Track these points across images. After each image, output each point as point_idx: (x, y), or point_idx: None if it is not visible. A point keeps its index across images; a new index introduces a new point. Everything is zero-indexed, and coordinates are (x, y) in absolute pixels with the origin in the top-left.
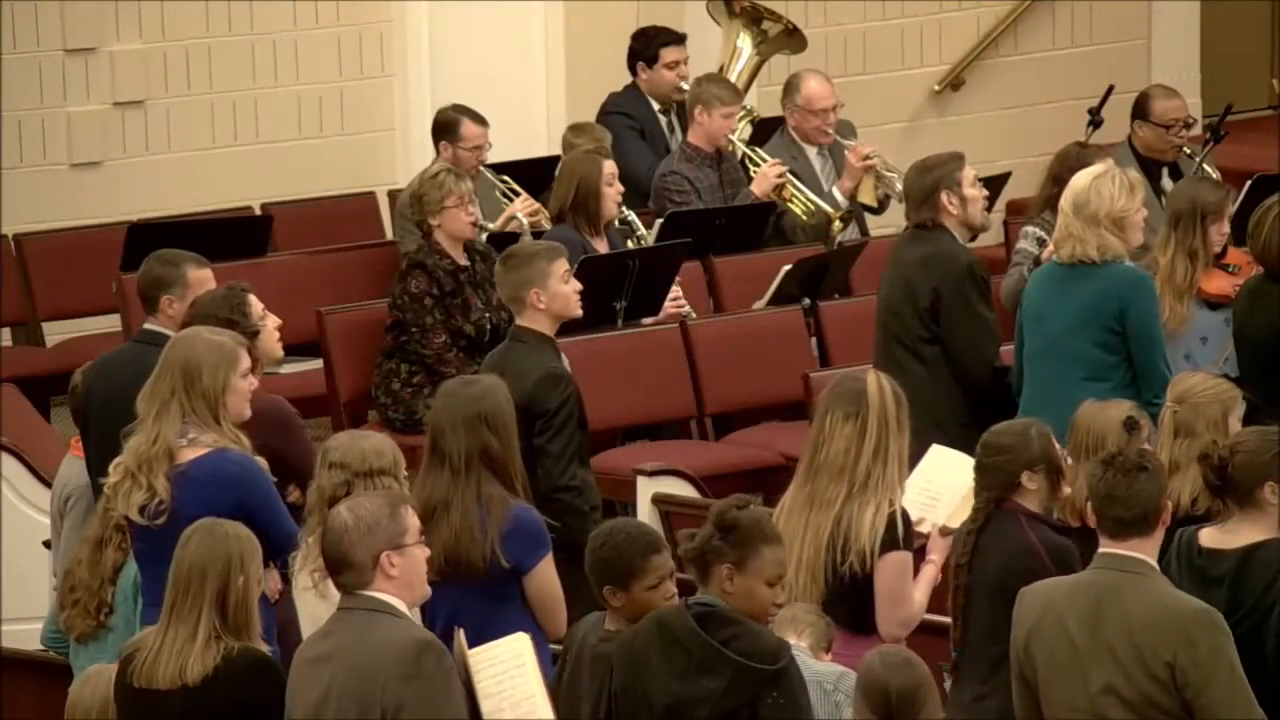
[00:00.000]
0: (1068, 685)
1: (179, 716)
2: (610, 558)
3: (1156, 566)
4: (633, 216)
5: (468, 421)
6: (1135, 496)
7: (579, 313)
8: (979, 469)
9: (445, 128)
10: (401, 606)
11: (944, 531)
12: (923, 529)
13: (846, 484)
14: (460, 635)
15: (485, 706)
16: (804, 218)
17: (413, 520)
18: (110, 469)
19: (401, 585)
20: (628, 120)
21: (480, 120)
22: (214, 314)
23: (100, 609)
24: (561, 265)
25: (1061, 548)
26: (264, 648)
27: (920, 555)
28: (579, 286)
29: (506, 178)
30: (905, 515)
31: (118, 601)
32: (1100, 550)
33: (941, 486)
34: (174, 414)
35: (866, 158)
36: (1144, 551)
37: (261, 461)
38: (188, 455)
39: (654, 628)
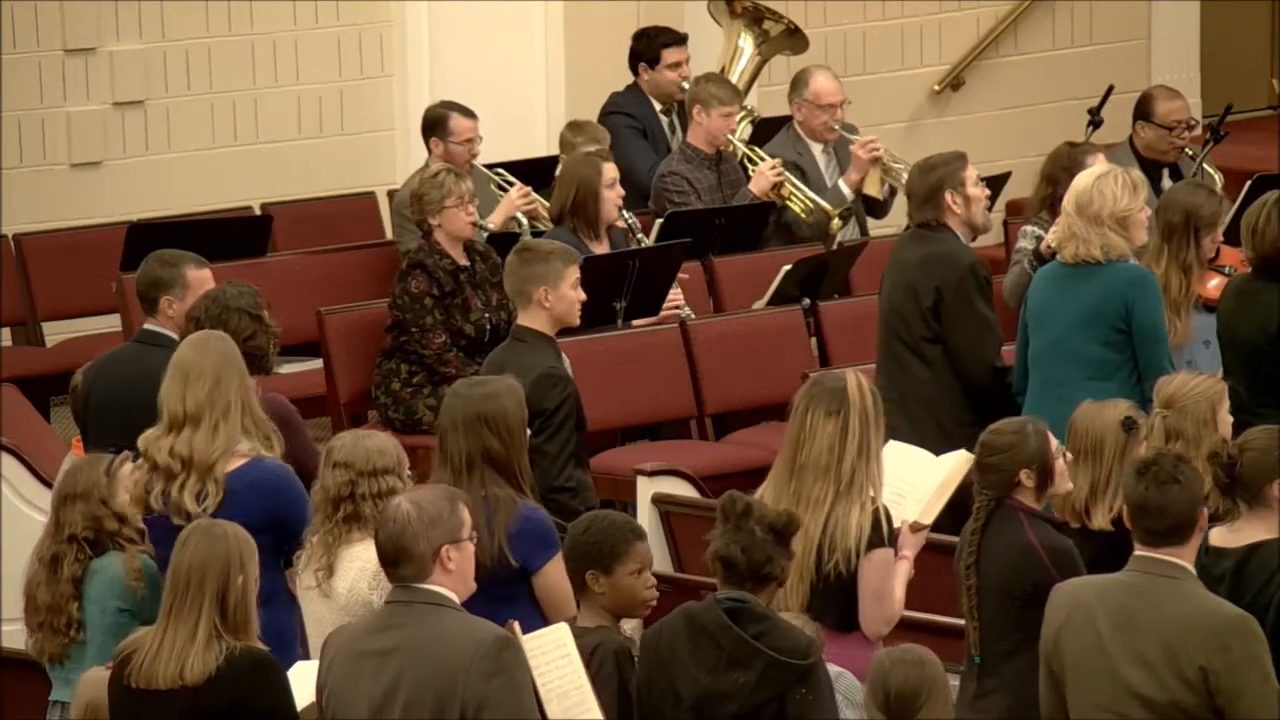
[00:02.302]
0: (1095, 684)
1: (180, 716)
2: (595, 541)
3: (1193, 571)
4: (632, 220)
5: (468, 423)
6: (1168, 509)
7: (577, 323)
8: (979, 468)
9: (434, 124)
10: (457, 600)
11: (915, 527)
12: (903, 527)
13: (833, 483)
14: (516, 627)
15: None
16: (803, 215)
17: (467, 515)
18: (165, 453)
19: (457, 579)
20: (629, 120)
21: (469, 113)
22: (246, 310)
23: (70, 626)
24: (575, 271)
25: (1063, 548)
26: (262, 647)
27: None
28: (584, 297)
29: (500, 170)
30: (887, 512)
31: (90, 615)
32: (1135, 553)
33: (906, 483)
34: (234, 418)
35: (873, 150)
36: (1180, 557)
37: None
38: (228, 465)
39: (682, 621)
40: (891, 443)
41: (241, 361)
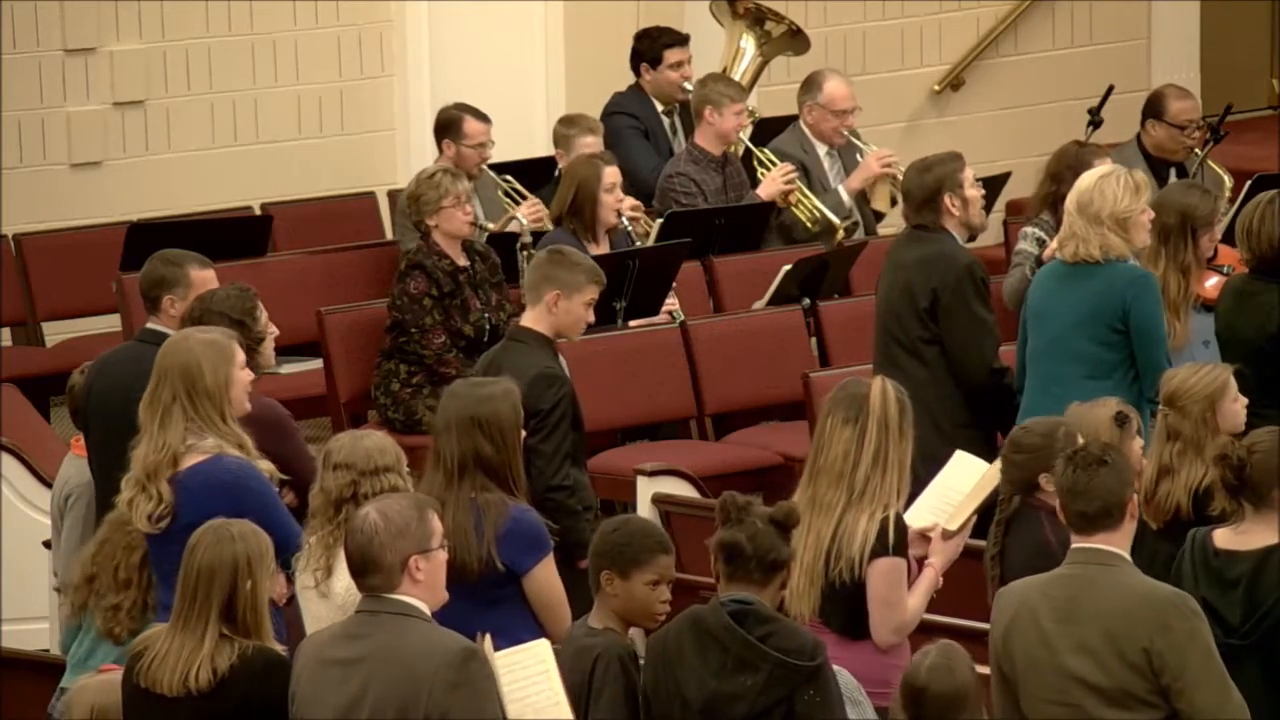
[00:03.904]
0: (1043, 678)
1: (189, 718)
2: (621, 543)
3: (1128, 557)
4: (632, 229)
5: (461, 425)
6: (1095, 490)
7: (574, 339)
8: (1005, 463)
9: (448, 126)
10: (425, 610)
11: (945, 535)
12: (934, 534)
13: (846, 490)
14: (487, 641)
15: (510, 710)
16: (808, 224)
17: (437, 524)
18: (122, 486)
19: (426, 589)
20: (631, 121)
21: (482, 117)
22: (225, 313)
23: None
24: (595, 291)
25: None
26: (277, 648)
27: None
28: (592, 319)
29: (509, 177)
30: (899, 522)
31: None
32: (1072, 546)
33: (957, 493)
34: (177, 419)
35: (888, 163)
36: (1114, 544)
37: (266, 465)
38: (186, 462)
39: (688, 625)
40: (958, 453)
41: (197, 362)
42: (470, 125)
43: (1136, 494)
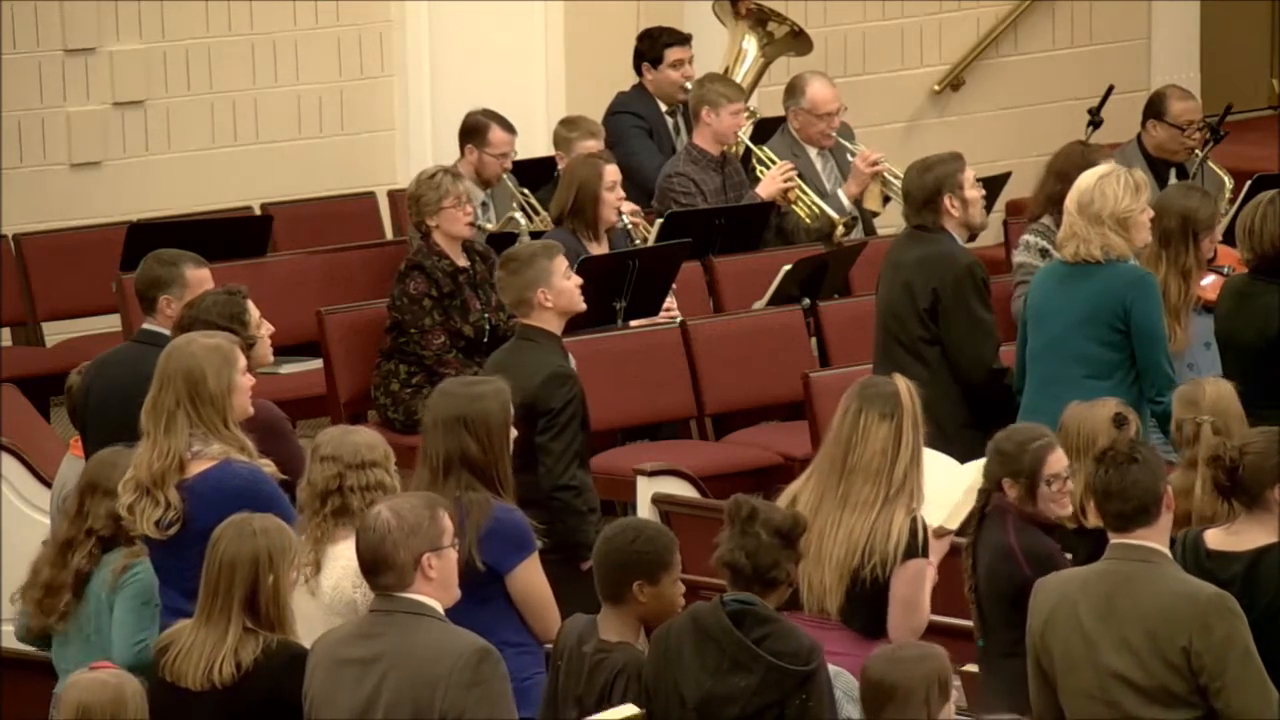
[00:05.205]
0: (1083, 674)
1: (214, 714)
2: (647, 550)
3: (1168, 553)
4: (631, 226)
5: (447, 423)
6: (1130, 488)
7: (583, 307)
8: (986, 458)
9: (473, 131)
10: (439, 609)
11: (939, 533)
12: (931, 534)
13: (884, 487)
14: None
15: None
16: (808, 221)
17: (448, 522)
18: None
19: (439, 587)
20: (635, 120)
21: (509, 127)
22: (211, 321)
23: (52, 614)
24: (561, 262)
25: (1042, 553)
26: (300, 641)
27: None
28: (580, 281)
29: (526, 191)
30: (924, 522)
31: (91, 611)
32: (1111, 542)
33: (933, 489)
34: (181, 425)
35: (874, 164)
36: (1152, 540)
37: (267, 465)
38: (195, 468)
39: (689, 623)
40: (928, 452)
41: (200, 367)
42: (496, 134)
43: (1170, 486)
